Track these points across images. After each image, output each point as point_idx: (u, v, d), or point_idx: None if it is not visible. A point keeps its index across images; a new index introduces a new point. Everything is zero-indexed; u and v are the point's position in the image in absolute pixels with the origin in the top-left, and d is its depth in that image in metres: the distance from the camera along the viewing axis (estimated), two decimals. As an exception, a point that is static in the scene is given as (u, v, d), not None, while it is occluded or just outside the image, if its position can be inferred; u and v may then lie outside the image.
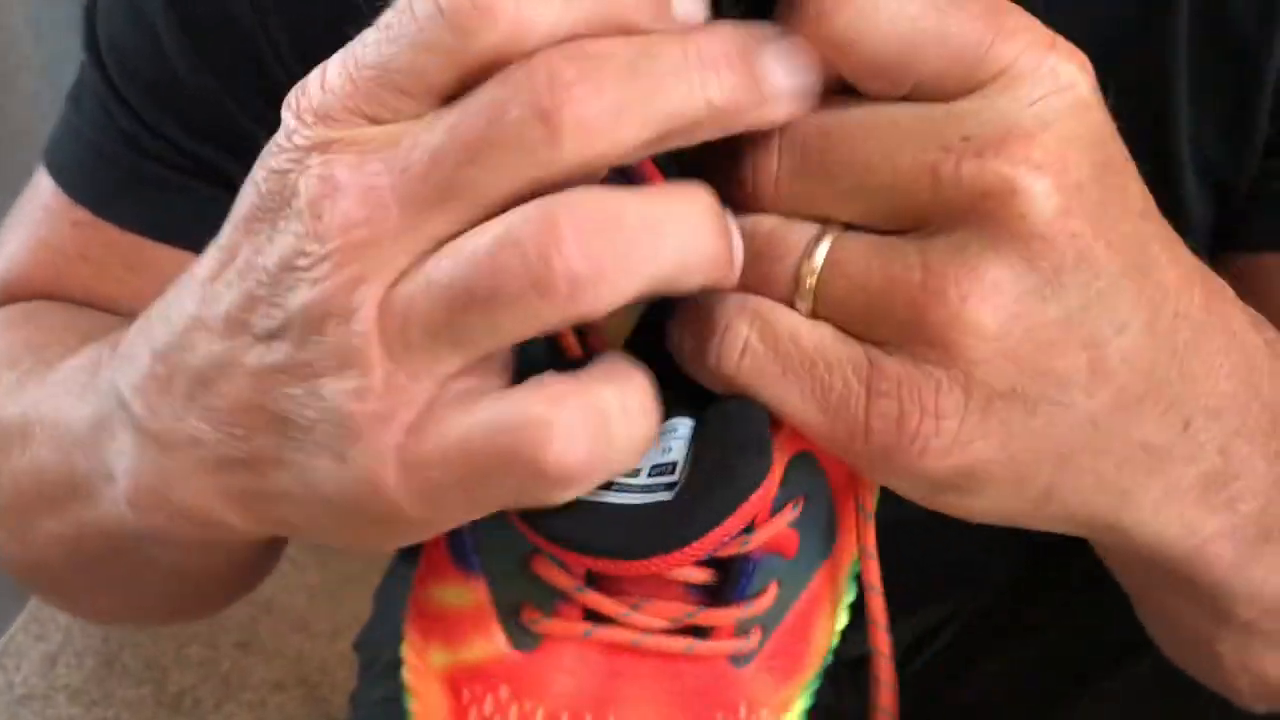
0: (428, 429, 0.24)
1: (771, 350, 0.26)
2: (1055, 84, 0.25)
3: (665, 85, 0.23)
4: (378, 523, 0.26)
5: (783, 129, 0.26)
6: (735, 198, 0.27)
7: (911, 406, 0.25)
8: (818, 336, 0.26)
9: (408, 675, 0.32)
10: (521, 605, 0.30)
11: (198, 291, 0.27)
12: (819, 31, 0.25)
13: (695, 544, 0.27)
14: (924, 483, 0.26)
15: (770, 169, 0.26)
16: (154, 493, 0.29)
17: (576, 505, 0.27)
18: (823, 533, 0.31)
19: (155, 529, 0.31)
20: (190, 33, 0.44)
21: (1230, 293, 0.31)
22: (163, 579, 0.40)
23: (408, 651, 0.32)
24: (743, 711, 0.31)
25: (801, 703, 0.32)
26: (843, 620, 0.33)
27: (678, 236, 0.23)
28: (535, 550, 0.30)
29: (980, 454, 0.25)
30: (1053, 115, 0.24)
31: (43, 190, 0.50)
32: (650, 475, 0.28)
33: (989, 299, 0.24)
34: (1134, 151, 0.42)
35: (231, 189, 0.45)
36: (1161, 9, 0.41)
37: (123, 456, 0.30)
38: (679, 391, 0.29)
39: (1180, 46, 0.41)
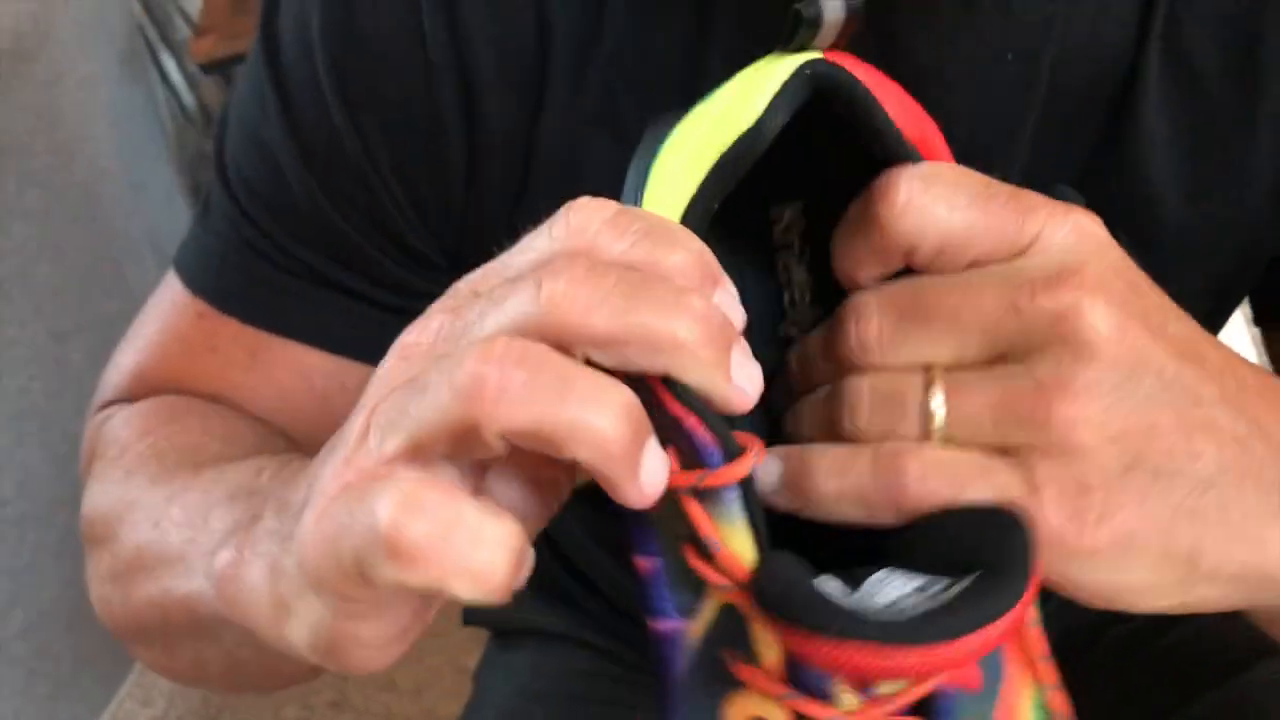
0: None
1: (944, 478, 0.30)
2: (1080, 235, 0.31)
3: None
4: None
5: (876, 298, 0.31)
6: (841, 360, 0.32)
7: (1068, 487, 0.30)
8: (970, 458, 0.30)
9: None
10: None
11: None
12: (889, 240, 0.31)
13: (972, 635, 0.27)
14: (1090, 561, 0.30)
15: (872, 329, 0.31)
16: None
17: (859, 615, 0.27)
18: (996, 664, 0.31)
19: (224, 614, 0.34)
20: (306, 161, 0.48)
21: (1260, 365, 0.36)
22: (225, 656, 0.42)
23: None
24: None
25: None
26: None
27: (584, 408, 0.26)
28: None
29: (1127, 521, 0.30)
30: (1087, 255, 0.30)
31: (172, 290, 0.54)
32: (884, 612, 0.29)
33: (1090, 398, 0.29)
34: (1128, 239, 0.47)
35: (337, 290, 0.51)
36: (1136, 113, 0.45)
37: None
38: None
39: (1159, 147, 0.45)
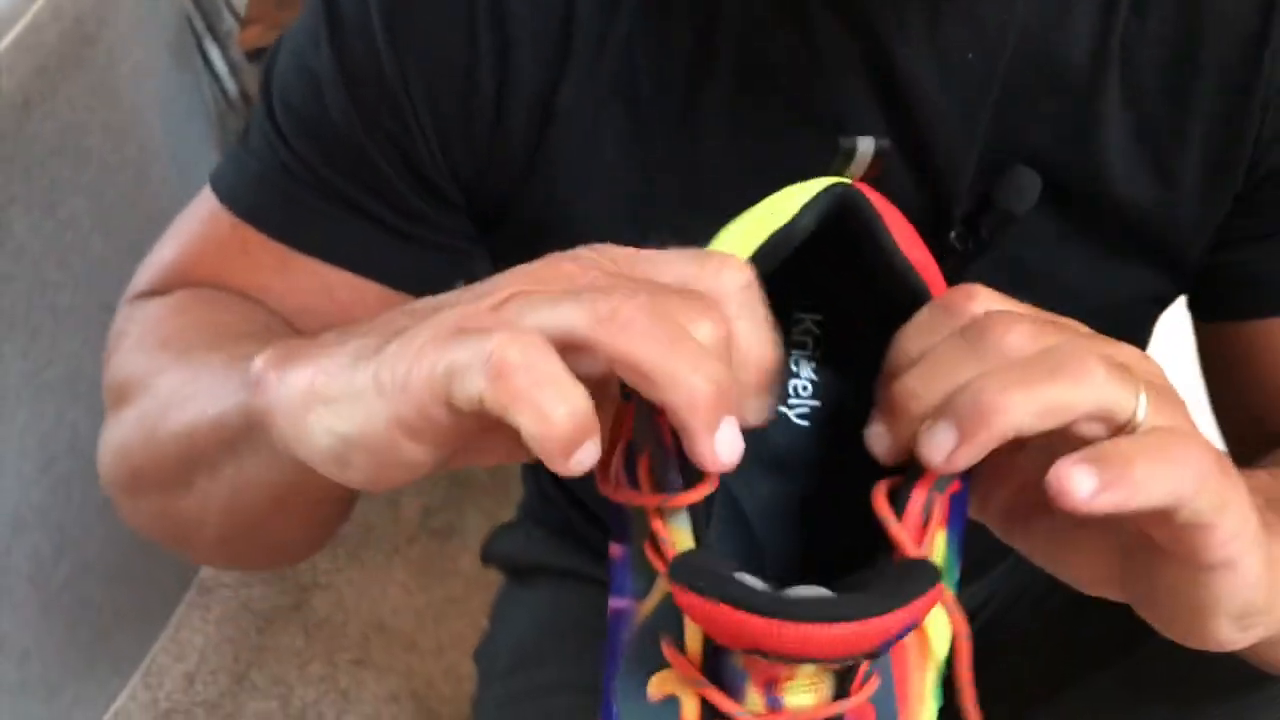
0: None
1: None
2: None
3: None
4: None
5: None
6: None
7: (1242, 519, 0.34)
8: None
9: None
10: None
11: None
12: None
13: (888, 617, 0.30)
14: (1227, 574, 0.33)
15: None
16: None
17: (757, 590, 0.31)
18: (890, 713, 0.34)
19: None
20: (349, 91, 0.54)
21: None
22: (232, 486, 0.45)
23: None
24: None
25: None
26: None
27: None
28: None
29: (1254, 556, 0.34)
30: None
31: (207, 204, 0.60)
32: None
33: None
34: (1075, 228, 0.53)
35: (363, 216, 0.56)
36: (1093, 113, 0.51)
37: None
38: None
39: (1113, 146, 0.51)
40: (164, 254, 0.61)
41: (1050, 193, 0.52)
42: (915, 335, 0.36)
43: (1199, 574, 0.33)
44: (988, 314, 0.35)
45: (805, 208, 0.37)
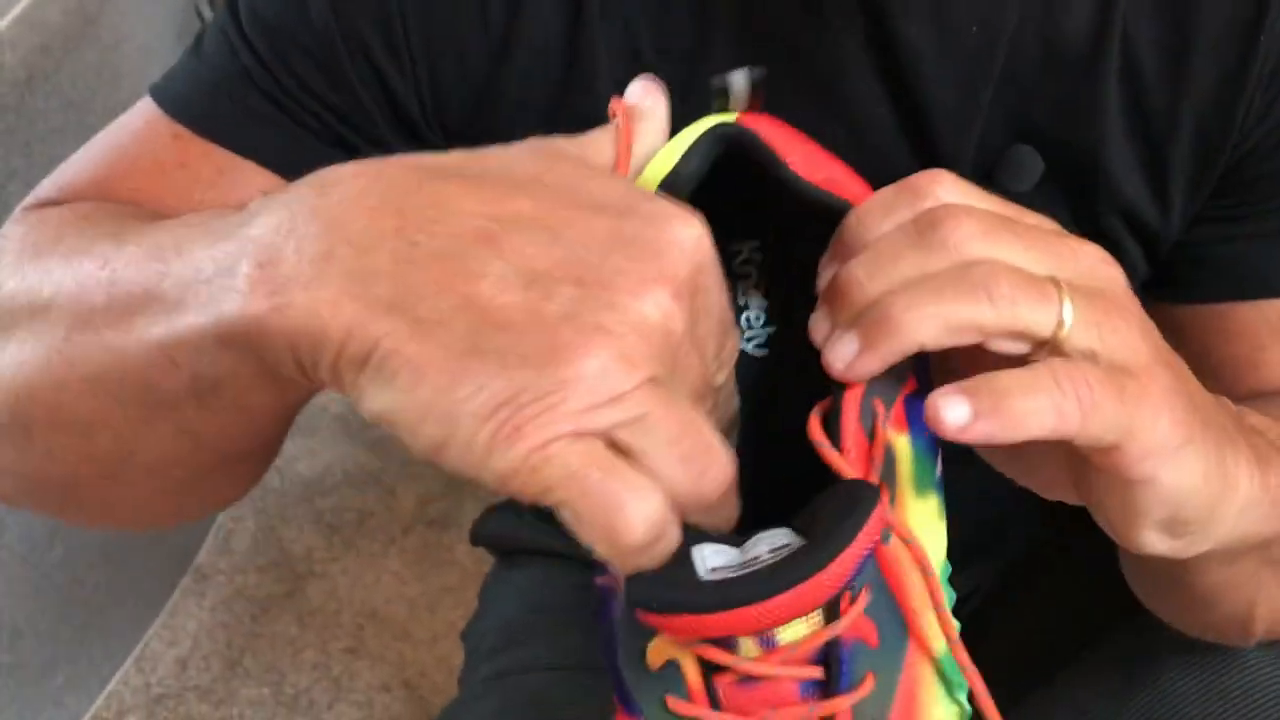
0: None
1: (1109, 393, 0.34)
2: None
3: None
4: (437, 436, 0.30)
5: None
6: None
7: (1168, 400, 0.35)
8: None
9: None
10: None
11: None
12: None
13: (817, 578, 0.31)
14: (1174, 457, 0.34)
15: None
16: (286, 283, 0.31)
17: (698, 585, 0.31)
18: (897, 621, 0.34)
19: (237, 335, 0.32)
20: (335, 3, 0.49)
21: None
22: (174, 437, 0.38)
23: None
24: None
25: None
26: (957, 710, 0.35)
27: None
28: (663, 688, 0.34)
29: (1192, 427, 0.35)
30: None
31: (144, 114, 0.54)
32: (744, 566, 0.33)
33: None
34: (1072, 209, 0.52)
35: (321, 135, 0.51)
36: (1093, 93, 0.50)
37: (265, 255, 0.31)
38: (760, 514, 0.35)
39: (1112, 127, 0.51)
40: (80, 164, 0.53)
41: (1049, 171, 0.52)
42: (871, 214, 0.36)
43: (1120, 485, 0.35)
44: (944, 205, 0.35)
45: (689, 152, 0.37)
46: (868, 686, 0.33)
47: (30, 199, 0.53)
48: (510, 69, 0.51)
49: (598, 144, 0.37)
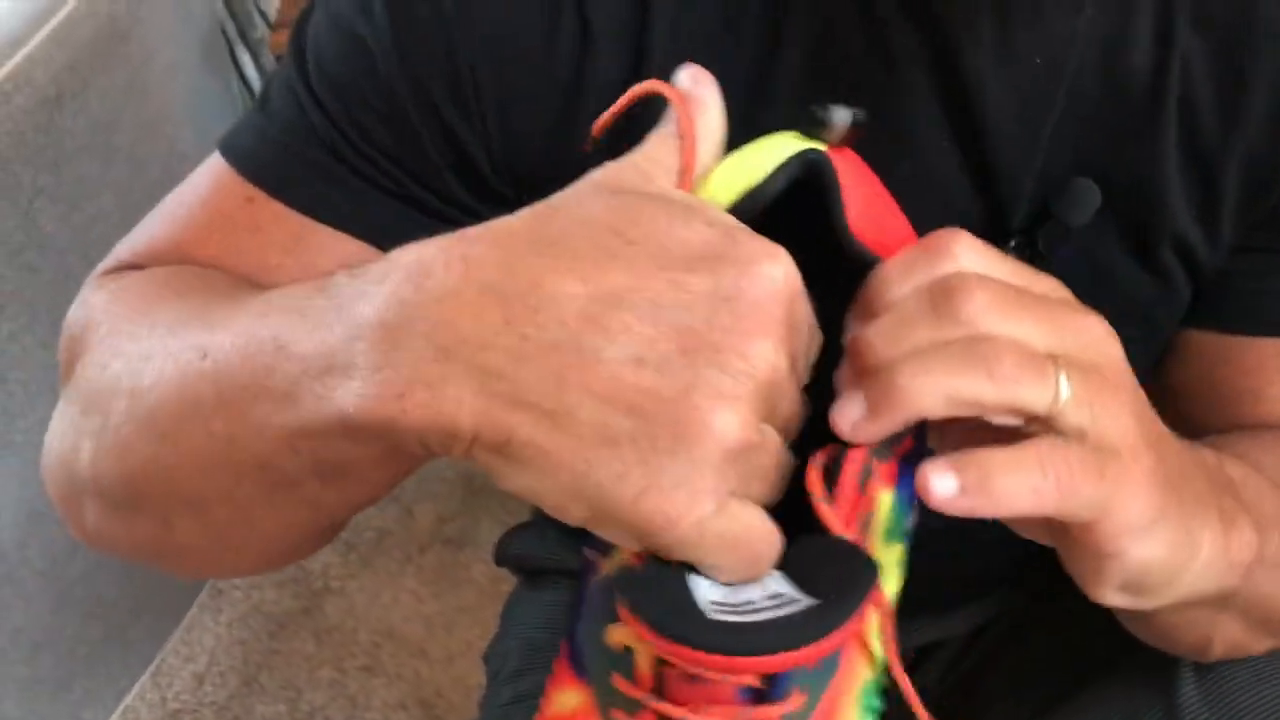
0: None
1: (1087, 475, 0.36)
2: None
3: None
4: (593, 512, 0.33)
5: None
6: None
7: (1149, 479, 0.38)
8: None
9: None
10: (610, 709, 0.37)
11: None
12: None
13: (819, 644, 0.34)
14: (1148, 531, 0.37)
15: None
16: (410, 385, 0.32)
17: (708, 624, 0.34)
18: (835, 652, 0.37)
19: (364, 429, 0.33)
20: (404, 57, 0.49)
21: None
22: (294, 508, 0.39)
23: None
24: None
25: None
26: None
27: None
28: (613, 666, 0.36)
29: (1166, 499, 0.38)
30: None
31: (214, 171, 0.53)
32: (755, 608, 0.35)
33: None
34: (1128, 241, 0.52)
35: (394, 194, 0.51)
36: (1152, 126, 0.50)
37: (379, 353, 0.33)
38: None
39: (1169, 160, 0.51)
40: (154, 227, 0.53)
41: (1106, 203, 0.52)
42: (892, 276, 0.38)
43: (1090, 553, 0.37)
44: (959, 274, 0.36)
45: (777, 172, 0.38)
46: (796, 701, 0.36)
47: (110, 262, 0.54)
48: (581, 109, 0.50)
49: (658, 155, 0.37)
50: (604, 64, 0.50)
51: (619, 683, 0.37)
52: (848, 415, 0.36)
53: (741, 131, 0.40)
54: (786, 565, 0.36)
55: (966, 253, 0.37)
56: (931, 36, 0.48)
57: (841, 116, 0.40)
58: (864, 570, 0.36)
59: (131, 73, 1.20)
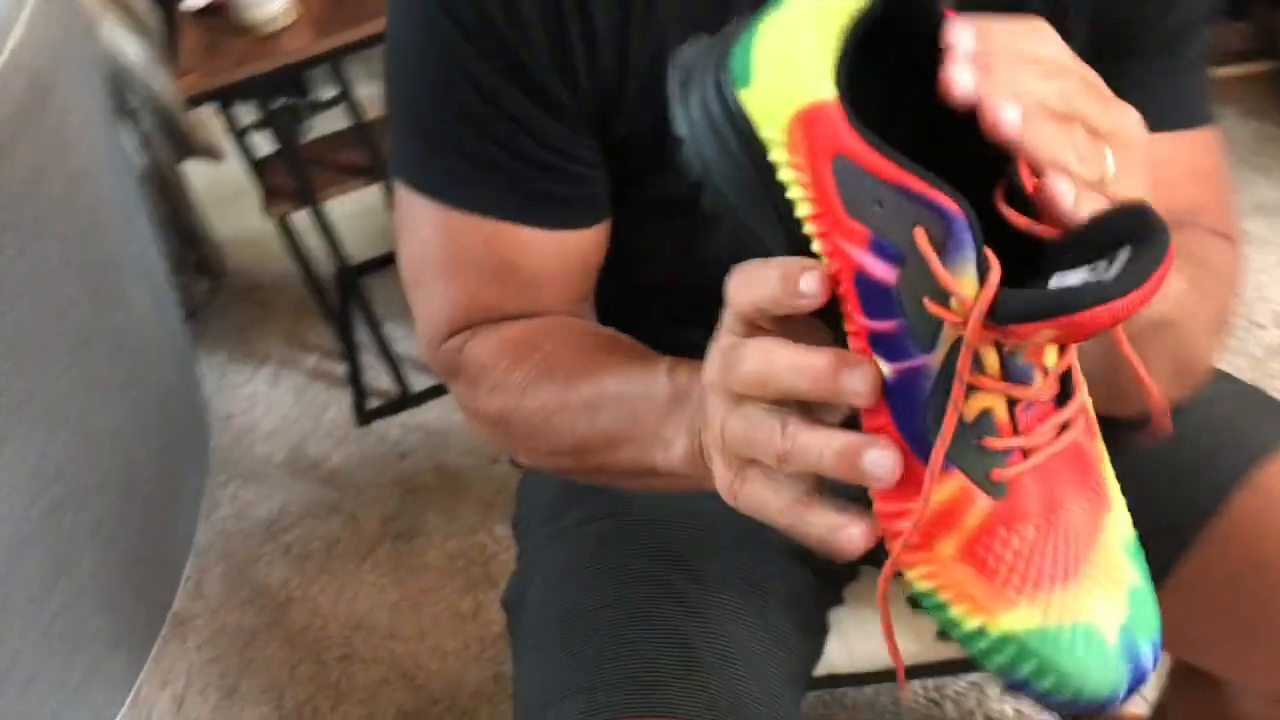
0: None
1: None
2: None
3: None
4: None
5: None
6: None
7: None
8: None
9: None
10: (988, 473, 0.41)
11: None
12: None
13: (1159, 271, 0.37)
14: None
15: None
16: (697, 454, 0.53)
17: (1073, 291, 0.37)
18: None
19: (670, 475, 0.56)
20: (473, 43, 0.62)
21: None
22: (627, 479, 0.62)
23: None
24: (1103, 494, 0.44)
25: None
26: None
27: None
28: (984, 434, 0.41)
29: None
30: None
31: (432, 220, 0.68)
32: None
33: None
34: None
35: (534, 168, 0.65)
36: None
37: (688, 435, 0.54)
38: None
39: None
40: (440, 292, 0.71)
41: None
42: (1026, 29, 0.46)
43: None
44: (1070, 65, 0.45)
45: None
46: (1084, 391, 0.43)
47: (432, 334, 0.72)
48: (593, 69, 0.64)
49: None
50: (598, 13, 0.63)
51: (989, 443, 0.41)
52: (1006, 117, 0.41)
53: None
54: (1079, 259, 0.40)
55: (1057, 41, 0.46)
56: None
57: None
58: (1153, 223, 0.39)
59: (56, 125, 1.29)
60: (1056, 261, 0.41)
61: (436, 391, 1.79)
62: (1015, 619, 0.42)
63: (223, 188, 2.19)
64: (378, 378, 1.84)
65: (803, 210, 0.42)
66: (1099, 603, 0.43)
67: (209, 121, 1.92)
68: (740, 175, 0.44)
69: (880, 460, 0.41)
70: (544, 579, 0.80)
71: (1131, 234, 0.40)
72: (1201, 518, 0.71)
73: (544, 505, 0.85)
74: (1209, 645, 0.74)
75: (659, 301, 0.76)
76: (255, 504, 1.71)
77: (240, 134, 1.56)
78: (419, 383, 1.80)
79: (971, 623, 0.43)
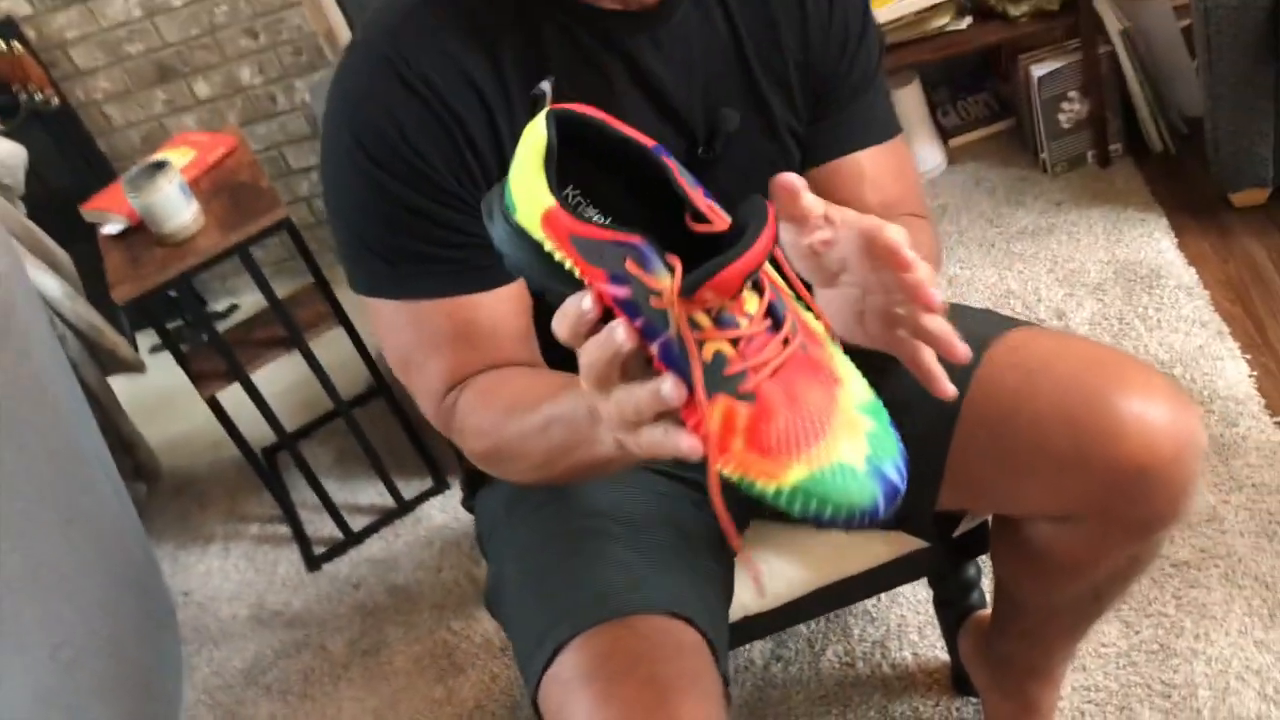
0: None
1: None
2: None
3: None
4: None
5: None
6: None
7: None
8: None
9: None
10: (734, 394, 0.62)
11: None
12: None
13: (753, 253, 0.59)
14: None
15: None
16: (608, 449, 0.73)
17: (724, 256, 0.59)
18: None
19: (612, 459, 0.75)
20: (408, 184, 0.88)
21: None
22: (587, 472, 0.83)
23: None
24: (831, 376, 0.64)
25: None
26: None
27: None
28: (720, 367, 0.61)
29: None
30: None
31: (408, 314, 0.93)
32: None
33: None
34: (762, 132, 1.00)
35: (467, 254, 0.93)
36: (746, 68, 0.96)
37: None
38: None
39: (763, 85, 0.98)
40: (435, 368, 0.94)
41: (742, 117, 0.99)
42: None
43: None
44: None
45: (550, 132, 0.65)
46: (794, 317, 0.64)
47: (432, 399, 0.95)
48: (477, 151, 0.90)
49: None
50: (477, 129, 0.90)
51: (726, 370, 0.62)
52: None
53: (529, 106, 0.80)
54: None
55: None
56: (621, 54, 0.94)
57: (544, 86, 0.71)
58: (763, 209, 0.61)
59: (21, 338, 1.51)
60: (729, 243, 0.62)
61: (376, 526, 2.00)
62: (794, 474, 0.61)
63: (146, 396, 2.40)
64: (320, 528, 2.04)
65: (570, 266, 0.65)
66: (845, 447, 0.62)
67: (124, 342, 2.15)
68: (533, 259, 0.67)
69: (669, 390, 0.62)
70: (515, 557, 1.03)
71: (754, 216, 0.61)
72: (959, 394, 0.99)
73: (500, 509, 1.09)
74: (996, 492, 1.01)
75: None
76: (231, 658, 1.87)
77: (167, 336, 1.79)
78: (358, 523, 2.00)
79: (770, 487, 0.62)
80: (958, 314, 1.06)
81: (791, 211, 0.70)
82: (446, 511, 1.99)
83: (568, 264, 0.65)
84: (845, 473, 0.61)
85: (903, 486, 0.62)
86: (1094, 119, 2.17)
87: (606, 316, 0.63)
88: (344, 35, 2.45)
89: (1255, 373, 1.71)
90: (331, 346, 1.94)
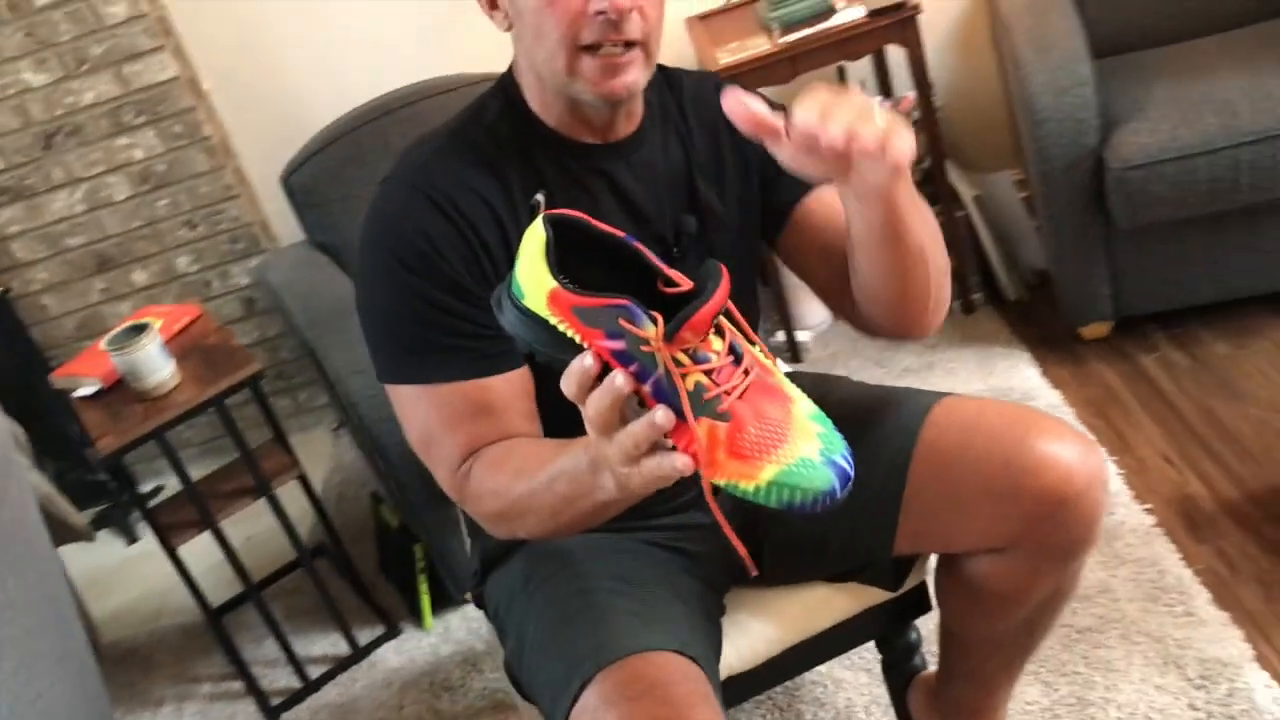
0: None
1: None
2: None
3: None
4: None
5: None
6: None
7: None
8: None
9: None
10: (714, 415, 0.77)
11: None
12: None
13: (715, 299, 0.77)
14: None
15: None
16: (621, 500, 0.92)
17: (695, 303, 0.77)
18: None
19: (610, 503, 0.93)
20: (435, 286, 1.08)
21: None
22: (589, 518, 0.98)
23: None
24: (785, 396, 0.80)
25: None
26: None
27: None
28: (702, 393, 0.78)
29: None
30: None
31: (416, 395, 1.10)
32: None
33: None
34: (708, 238, 1.24)
35: (476, 344, 1.16)
36: (692, 182, 1.20)
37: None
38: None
39: (710, 190, 1.21)
40: (446, 440, 1.10)
41: (701, 220, 1.22)
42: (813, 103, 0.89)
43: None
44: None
45: (548, 233, 0.81)
46: (751, 351, 0.82)
47: (448, 472, 1.12)
48: (491, 260, 1.12)
49: None
50: (490, 240, 1.12)
51: (706, 395, 0.78)
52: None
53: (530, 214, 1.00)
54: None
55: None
56: (602, 175, 1.17)
57: (539, 197, 0.90)
58: (718, 273, 0.79)
59: (14, 500, 1.59)
60: (696, 298, 0.80)
61: (333, 674, 2.06)
62: (767, 473, 0.77)
63: (78, 574, 2.42)
64: (275, 680, 2.09)
65: (573, 335, 0.81)
66: (803, 446, 0.79)
67: (74, 511, 2.20)
68: (541, 333, 0.83)
69: (662, 417, 0.78)
70: (535, 619, 1.18)
71: (710, 275, 0.80)
72: (908, 450, 1.20)
73: (516, 584, 1.23)
74: (943, 529, 1.22)
75: (562, 417, 1.22)
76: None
77: (138, 500, 1.88)
78: (315, 670, 2.07)
79: (750, 486, 0.78)
80: (899, 392, 1.29)
81: (757, 129, 0.90)
82: (402, 654, 2.08)
83: (570, 333, 0.81)
84: (807, 465, 0.78)
85: (852, 471, 0.80)
86: (956, 273, 2.50)
87: (604, 373, 0.80)
88: (279, 225, 2.65)
89: (1123, 470, 1.98)
90: (262, 519, 2.04)
